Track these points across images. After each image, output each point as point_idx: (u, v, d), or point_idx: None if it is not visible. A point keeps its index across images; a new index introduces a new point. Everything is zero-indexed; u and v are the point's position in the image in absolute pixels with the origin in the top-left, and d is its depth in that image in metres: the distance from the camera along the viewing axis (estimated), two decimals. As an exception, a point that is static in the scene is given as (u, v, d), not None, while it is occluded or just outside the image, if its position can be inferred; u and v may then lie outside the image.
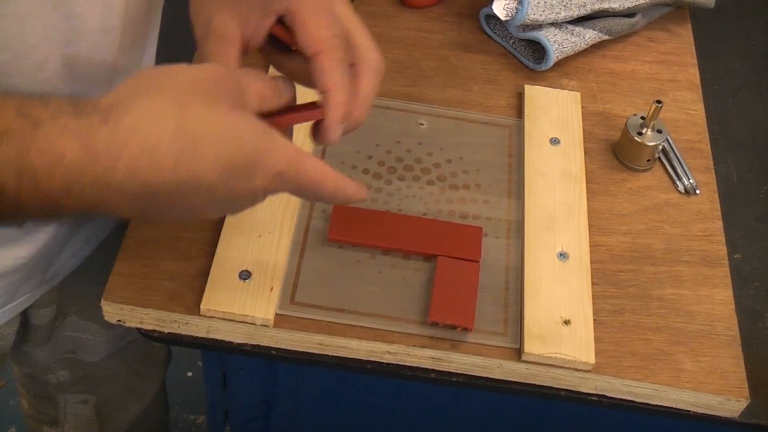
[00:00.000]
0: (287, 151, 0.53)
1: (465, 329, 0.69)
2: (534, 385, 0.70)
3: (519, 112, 0.85)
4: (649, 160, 0.82)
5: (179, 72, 0.51)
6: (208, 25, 0.59)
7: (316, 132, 0.59)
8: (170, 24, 0.81)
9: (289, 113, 0.58)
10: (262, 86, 0.54)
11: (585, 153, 0.82)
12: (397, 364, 0.70)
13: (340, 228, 0.73)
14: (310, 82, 0.63)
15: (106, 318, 0.70)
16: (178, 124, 0.48)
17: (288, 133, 0.59)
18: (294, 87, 0.58)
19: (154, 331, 0.70)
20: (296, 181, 0.54)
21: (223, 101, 0.51)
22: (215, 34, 0.59)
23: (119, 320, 0.70)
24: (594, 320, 0.70)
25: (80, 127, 0.47)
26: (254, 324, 0.68)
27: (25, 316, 0.86)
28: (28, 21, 0.59)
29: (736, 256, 0.80)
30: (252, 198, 0.54)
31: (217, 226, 0.73)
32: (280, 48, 0.63)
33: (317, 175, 0.55)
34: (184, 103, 0.49)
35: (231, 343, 0.70)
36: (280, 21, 0.61)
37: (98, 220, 0.82)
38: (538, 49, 0.90)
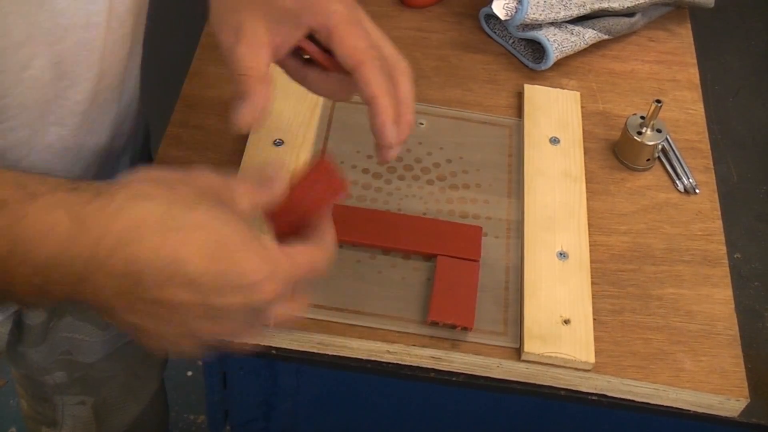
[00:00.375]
0: (272, 253, 0.53)
1: (465, 329, 0.69)
2: (534, 384, 0.70)
3: (519, 111, 0.86)
4: (648, 160, 0.82)
5: (171, 171, 0.53)
6: (238, 31, 0.61)
7: (378, 150, 0.62)
8: (157, 25, 0.81)
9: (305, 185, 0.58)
10: (251, 187, 0.55)
11: (585, 153, 0.82)
12: (397, 364, 0.70)
13: (340, 228, 0.73)
14: (327, 91, 0.66)
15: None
16: (166, 209, 0.50)
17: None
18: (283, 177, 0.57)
19: (154, 330, 0.70)
20: (288, 278, 0.54)
21: (211, 199, 0.52)
22: (246, 39, 0.60)
23: (119, 320, 0.70)
24: (594, 320, 0.70)
25: (73, 201, 0.49)
26: (254, 323, 0.68)
27: (18, 316, 0.86)
28: (13, 18, 0.59)
29: (736, 256, 0.80)
30: (246, 308, 0.52)
31: (217, 225, 0.73)
32: (298, 58, 0.65)
33: (315, 262, 0.55)
34: (174, 193, 0.51)
35: (231, 342, 0.69)
36: (309, 36, 0.62)
37: None
38: (537, 49, 0.90)
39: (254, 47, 0.60)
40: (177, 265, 0.49)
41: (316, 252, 0.56)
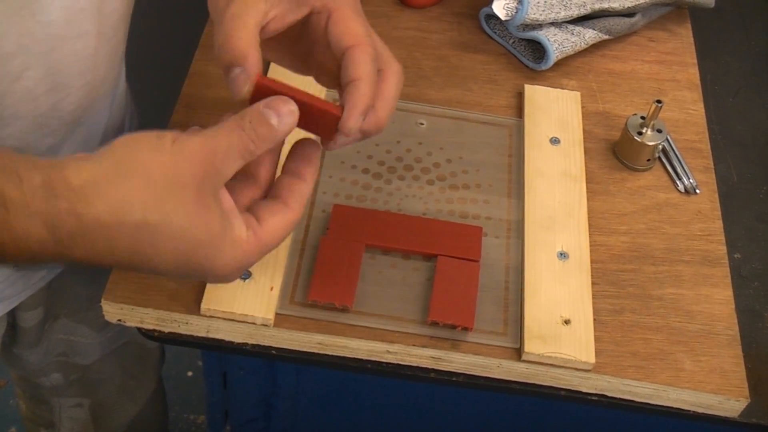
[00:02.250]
0: (242, 246, 0.54)
1: (465, 329, 0.69)
2: (534, 384, 0.70)
3: (519, 111, 0.85)
4: (649, 160, 0.82)
5: (157, 155, 0.52)
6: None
7: (329, 132, 0.58)
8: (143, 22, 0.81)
9: (304, 96, 0.56)
10: (240, 141, 0.53)
11: (585, 153, 0.82)
12: (397, 364, 0.70)
13: (340, 228, 0.73)
14: (308, 70, 0.63)
15: (107, 317, 0.70)
16: (142, 217, 0.50)
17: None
18: (289, 120, 0.55)
19: (154, 330, 0.70)
20: (257, 259, 0.55)
21: (194, 192, 0.51)
22: (237, 10, 0.57)
23: (119, 320, 0.70)
24: (594, 320, 0.70)
25: (48, 212, 0.49)
26: (254, 323, 0.68)
27: (12, 318, 0.86)
28: (4, 28, 0.58)
29: (736, 256, 0.80)
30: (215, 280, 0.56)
31: (217, 225, 0.73)
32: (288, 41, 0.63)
33: (283, 235, 0.56)
34: (154, 195, 0.51)
35: (231, 342, 0.70)
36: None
37: None
38: (538, 49, 0.90)
39: (249, 11, 0.57)
40: (148, 266, 0.53)
41: (287, 222, 0.56)
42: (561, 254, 0.73)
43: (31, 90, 0.63)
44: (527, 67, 0.90)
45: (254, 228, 0.54)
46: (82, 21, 0.63)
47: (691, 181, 0.81)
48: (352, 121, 0.56)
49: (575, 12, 0.88)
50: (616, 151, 0.83)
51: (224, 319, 0.68)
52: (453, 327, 0.69)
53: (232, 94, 0.57)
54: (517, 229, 0.76)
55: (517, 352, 0.68)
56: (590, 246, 0.75)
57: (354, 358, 0.70)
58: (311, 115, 0.56)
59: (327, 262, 0.70)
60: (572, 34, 0.89)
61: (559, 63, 0.89)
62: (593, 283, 0.72)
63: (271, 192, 0.57)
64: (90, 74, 0.68)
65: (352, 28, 0.58)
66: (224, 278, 0.55)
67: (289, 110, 0.54)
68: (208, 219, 0.52)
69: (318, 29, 0.60)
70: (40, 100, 0.65)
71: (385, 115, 0.59)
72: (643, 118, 0.81)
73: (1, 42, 0.59)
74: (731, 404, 0.69)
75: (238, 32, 0.56)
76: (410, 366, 0.70)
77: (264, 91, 0.56)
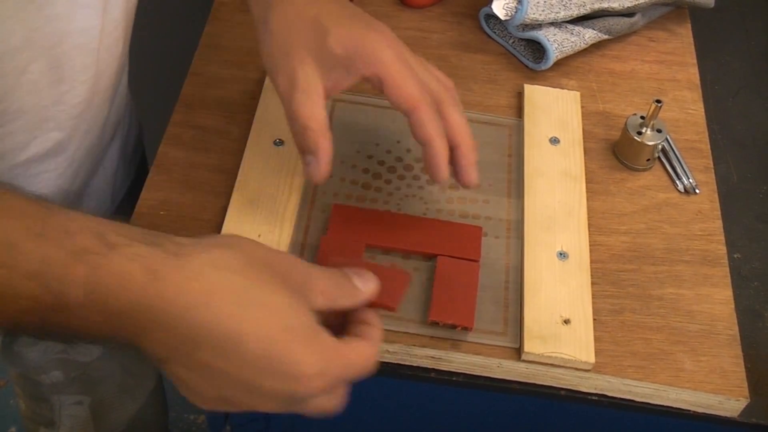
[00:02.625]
0: (329, 351, 0.52)
1: (465, 329, 0.69)
2: (534, 384, 0.70)
3: (519, 111, 0.85)
4: (648, 160, 0.82)
5: (258, 246, 0.53)
6: (293, 78, 0.63)
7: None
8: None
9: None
10: (329, 285, 0.54)
11: (585, 152, 0.82)
12: (397, 364, 0.70)
13: (340, 227, 0.73)
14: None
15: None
16: (243, 283, 0.50)
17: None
18: (371, 285, 0.57)
19: (154, 330, 0.70)
20: (338, 377, 0.52)
21: (288, 287, 0.52)
22: (301, 86, 0.63)
23: (119, 320, 0.70)
24: (594, 320, 0.70)
25: (151, 254, 0.49)
26: (254, 323, 0.68)
27: None
28: (11, 23, 0.59)
29: (736, 256, 0.80)
30: (287, 396, 0.52)
31: (218, 225, 0.73)
32: None
33: (367, 361, 0.54)
34: (254, 268, 0.51)
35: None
36: None
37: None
38: (537, 49, 0.90)
39: (310, 95, 0.62)
40: (237, 340, 0.49)
41: (369, 350, 0.54)
42: (561, 254, 0.73)
43: (36, 83, 0.64)
44: (527, 67, 0.90)
45: (339, 343, 0.53)
46: (86, 15, 0.64)
47: (690, 181, 0.81)
48: (442, 175, 0.65)
49: (575, 12, 0.88)
50: (616, 151, 0.83)
51: (224, 318, 0.68)
52: (453, 327, 0.69)
53: (305, 175, 0.65)
54: (516, 229, 0.76)
55: (517, 352, 0.69)
56: (590, 246, 0.75)
57: (354, 358, 0.69)
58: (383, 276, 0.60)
59: (327, 262, 0.70)
60: (572, 34, 0.89)
61: (559, 63, 0.89)
62: (593, 283, 0.72)
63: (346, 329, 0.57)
64: (93, 68, 0.68)
65: (406, 92, 0.63)
66: (302, 383, 0.51)
67: (372, 277, 0.57)
68: (304, 310, 0.51)
69: (375, 88, 0.64)
70: (45, 93, 0.65)
71: (468, 140, 0.66)
72: (642, 118, 0.81)
73: (9, 36, 0.59)
74: (731, 404, 0.69)
75: (310, 122, 0.63)
76: (410, 366, 0.70)
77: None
